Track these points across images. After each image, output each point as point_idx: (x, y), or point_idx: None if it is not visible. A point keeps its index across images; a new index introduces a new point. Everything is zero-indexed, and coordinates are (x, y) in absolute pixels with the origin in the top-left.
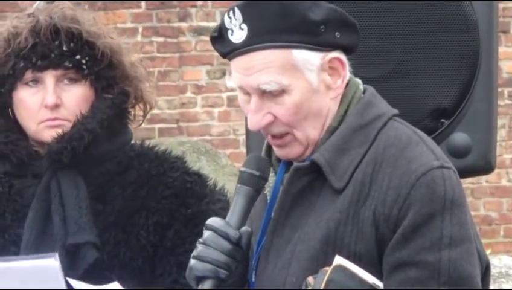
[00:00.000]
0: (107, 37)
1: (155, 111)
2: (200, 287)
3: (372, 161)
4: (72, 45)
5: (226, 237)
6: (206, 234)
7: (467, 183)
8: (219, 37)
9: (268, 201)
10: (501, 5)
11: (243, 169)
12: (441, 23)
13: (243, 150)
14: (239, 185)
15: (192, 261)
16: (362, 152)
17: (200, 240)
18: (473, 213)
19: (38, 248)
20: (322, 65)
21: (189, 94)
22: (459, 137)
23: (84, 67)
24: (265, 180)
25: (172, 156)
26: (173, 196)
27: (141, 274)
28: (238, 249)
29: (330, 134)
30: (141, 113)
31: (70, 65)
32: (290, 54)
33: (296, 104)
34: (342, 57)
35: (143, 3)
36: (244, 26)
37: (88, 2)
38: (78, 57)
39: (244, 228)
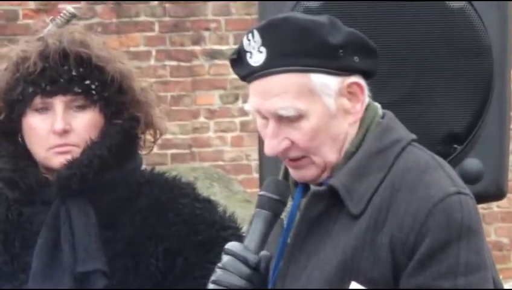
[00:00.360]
0: (117, 62)
1: (167, 136)
2: None
3: (389, 186)
4: (81, 69)
5: (244, 261)
6: (225, 258)
7: (479, 208)
8: (238, 59)
9: (285, 226)
10: None
11: (261, 193)
12: (454, 48)
13: (256, 175)
14: (258, 209)
15: (210, 286)
16: (380, 177)
17: (219, 264)
18: None
19: (48, 275)
20: (341, 90)
21: (202, 119)
22: (472, 163)
23: (94, 92)
24: (284, 204)
25: (182, 182)
26: (183, 223)
27: None
28: (256, 274)
29: (348, 159)
30: (152, 139)
31: (80, 90)
32: (307, 78)
33: (313, 129)
34: (361, 81)
35: (156, 26)
36: (263, 49)
37: (101, 25)
38: (87, 82)
39: (262, 253)
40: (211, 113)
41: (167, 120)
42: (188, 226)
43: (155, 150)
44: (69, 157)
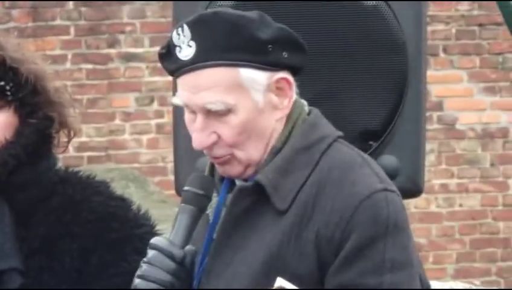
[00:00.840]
0: (31, 63)
1: (84, 139)
2: None
3: (316, 183)
4: None
5: (170, 256)
6: (151, 253)
7: None
8: (167, 53)
9: (211, 221)
10: (430, 27)
11: (186, 188)
12: (369, 45)
13: (172, 177)
14: (182, 204)
15: (136, 281)
16: (306, 174)
17: (145, 259)
18: None
19: None
20: (269, 85)
21: (117, 121)
22: (387, 159)
23: (8, 93)
24: (209, 199)
25: (96, 180)
26: (97, 221)
27: None
28: (182, 269)
29: (274, 155)
30: (66, 139)
31: None
32: (237, 73)
33: (241, 124)
34: (289, 77)
35: (72, 29)
36: (192, 43)
37: (17, 29)
38: (1, 83)
39: (188, 247)
40: (127, 116)
41: (83, 123)
42: (102, 224)
43: (71, 152)
44: None
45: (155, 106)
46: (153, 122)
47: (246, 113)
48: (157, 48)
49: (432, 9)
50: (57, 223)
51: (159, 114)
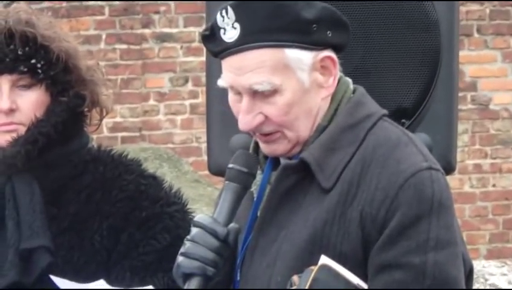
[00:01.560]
0: (62, 41)
1: (117, 119)
2: (186, 286)
3: (361, 161)
4: (27, 49)
5: (213, 234)
6: (194, 231)
7: None
8: (211, 35)
9: (255, 199)
10: (464, 8)
11: (230, 165)
12: (401, 23)
13: (205, 158)
14: (227, 182)
15: (179, 258)
16: (351, 152)
17: (188, 237)
18: None
19: None
20: (314, 64)
21: (151, 102)
22: (420, 137)
23: (40, 71)
24: (254, 177)
25: (128, 159)
26: (127, 199)
27: (95, 279)
28: (225, 247)
29: (320, 133)
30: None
31: (25, 69)
32: (282, 53)
33: (288, 104)
34: (333, 55)
35: (106, 9)
36: (236, 25)
37: (51, 9)
38: (33, 61)
39: (231, 225)
40: (161, 96)
41: (117, 103)
42: (133, 203)
43: (105, 132)
44: (15, 135)
45: (189, 86)
46: (187, 102)
47: (292, 93)
48: (191, 29)
49: None
50: (88, 201)
51: (193, 94)
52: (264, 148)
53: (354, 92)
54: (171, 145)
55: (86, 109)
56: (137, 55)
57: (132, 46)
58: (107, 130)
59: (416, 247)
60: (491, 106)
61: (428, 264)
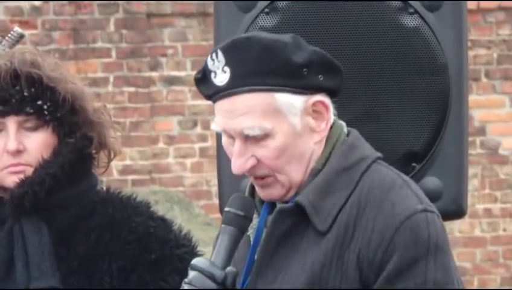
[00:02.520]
0: (68, 82)
1: (127, 162)
2: None
3: (356, 204)
4: (32, 90)
5: (211, 277)
6: (192, 274)
7: None
8: (203, 78)
9: (252, 243)
10: (472, 52)
11: (227, 209)
12: (410, 66)
13: (216, 201)
14: (223, 225)
15: None
16: (346, 194)
17: (186, 280)
18: None
19: None
20: (306, 108)
21: (161, 145)
22: (431, 181)
23: (46, 112)
24: (250, 220)
25: (137, 201)
26: (136, 241)
27: None
28: None
29: (314, 176)
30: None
31: (32, 111)
32: (272, 98)
33: (279, 147)
34: (326, 100)
35: (113, 52)
36: (226, 68)
37: (58, 51)
38: (39, 102)
39: (229, 268)
40: (170, 139)
41: (126, 146)
42: (142, 244)
43: (115, 175)
44: (22, 176)
45: (198, 129)
46: (197, 145)
47: (284, 137)
48: None
49: (473, 33)
50: (97, 242)
51: (203, 138)
52: (259, 192)
53: (348, 134)
54: (181, 189)
55: (93, 151)
56: (146, 98)
57: (140, 89)
58: (117, 173)
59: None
60: (500, 151)
61: None
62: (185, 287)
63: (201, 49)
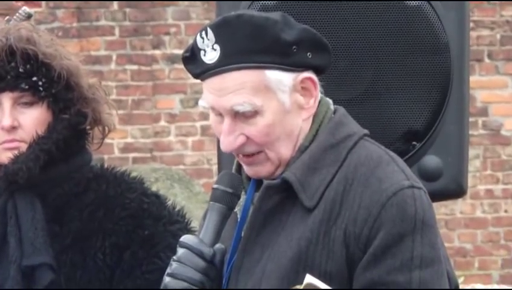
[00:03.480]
0: (63, 59)
1: (129, 140)
2: None
3: (343, 180)
4: (28, 66)
5: (200, 254)
6: (180, 251)
7: (441, 214)
8: (191, 57)
9: (239, 220)
10: (475, 33)
11: (215, 186)
12: (411, 45)
13: None
14: (211, 203)
15: (166, 279)
16: (333, 171)
17: (174, 257)
18: (447, 245)
19: None
20: (295, 85)
21: (162, 123)
22: (431, 160)
23: (41, 89)
24: (238, 197)
25: (130, 177)
26: (130, 217)
27: None
28: (211, 267)
29: (301, 153)
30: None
31: (27, 87)
32: (262, 75)
33: (268, 124)
34: (314, 77)
35: (117, 30)
36: (216, 46)
37: (61, 29)
38: (34, 78)
39: (217, 245)
40: (172, 117)
41: (128, 124)
42: (135, 221)
43: (116, 153)
44: (16, 152)
45: (200, 108)
46: (198, 124)
47: (273, 115)
48: None
49: (477, 14)
50: (90, 219)
51: (204, 116)
52: (247, 170)
53: (334, 112)
54: (182, 167)
55: (88, 127)
56: (148, 76)
57: (143, 67)
58: (118, 151)
59: (400, 265)
60: (503, 132)
61: (414, 282)
62: (174, 265)
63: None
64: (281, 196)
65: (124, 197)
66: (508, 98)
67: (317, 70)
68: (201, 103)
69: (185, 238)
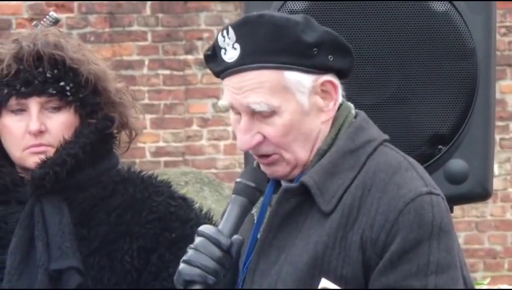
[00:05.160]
0: (91, 64)
1: (161, 144)
2: None
3: (361, 185)
4: (55, 71)
5: (217, 243)
6: (198, 239)
7: (472, 216)
8: (212, 55)
9: (255, 221)
10: (507, 38)
11: (238, 180)
12: (438, 50)
13: None
14: (233, 195)
15: (181, 265)
16: (352, 176)
17: (191, 245)
18: (477, 246)
19: (22, 273)
20: (314, 88)
21: (195, 127)
22: (457, 163)
23: (68, 94)
24: (261, 192)
25: (157, 180)
26: (157, 220)
27: None
28: (227, 257)
29: (320, 157)
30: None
31: (54, 92)
32: (281, 76)
33: (286, 125)
34: (335, 80)
35: (149, 35)
36: (237, 45)
37: (94, 34)
38: (62, 83)
39: (235, 237)
40: (204, 122)
41: (160, 128)
42: (163, 224)
43: (148, 157)
44: (43, 157)
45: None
46: (230, 128)
47: (291, 115)
48: None
49: (509, 20)
50: (117, 222)
51: None
52: (265, 170)
53: (355, 116)
54: (214, 171)
55: (115, 131)
56: (180, 81)
57: (175, 72)
58: (150, 155)
59: (416, 271)
60: None
61: (429, 287)
62: (190, 252)
63: None
64: (298, 200)
65: (151, 200)
66: None
67: (340, 74)
68: (221, 102)
69: (204, 227)
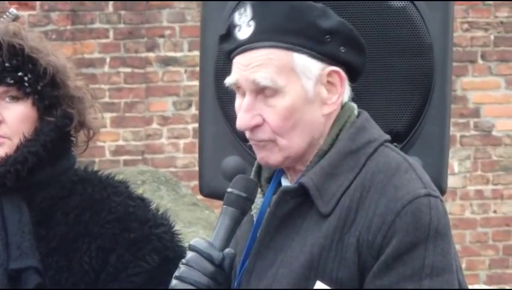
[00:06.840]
0: (50, 55)
1: (120, 143)
2: None
3: (360, 187)
4: (14, 61)
5: (209, 258)
6: (190, 254)
7: None
8: (227, 34)
9: (255, 222)
10: (469, 34)
11: (229, 190)
12: (395, 46)
13: None
14: (224, 207)
15: (173, 282)
16: (351, 178)
17: (183, 260)
18: None
19: None
20: (321, 76)
21: (155, 125)
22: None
23: (26, 84)
24: (252, 202)
25: (115, 180)
26: (116, 221)
27: None
28: (220, 272)
29: (320, 157)
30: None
31: (12, 82)
32: (290, 57)
33: (287, 108)
34: (343, 73)
35: (111, 33)
36: (252, 23)
37: (55, 32)
38: (20, 73)
39: (227, 250)
40: (164, 120)
41: (120, 126)
42: (121, 224)
43: (108, 156)
44: (1, 149)
45: (193, 110)
46: (190, 126)
47: (294, 99)
48: (196, 52)
49: (471, 15)
50: (76, 222)
51: (197, 118)
52: (257, 154)
53: (358, 116)
54: (173, 169)
55: (73, 130)
56: (141, 78)
57: (136, 70)
58: (109, 154)
59: (411, 274)
60: (494, 132)
61: None
62: (182, 268)
63: (199, 30)
64: (297, 201)
65: (110, 200)
66: (500, 99)
67: (350, 70)
68: (227, 79)
69: (195, 241)
